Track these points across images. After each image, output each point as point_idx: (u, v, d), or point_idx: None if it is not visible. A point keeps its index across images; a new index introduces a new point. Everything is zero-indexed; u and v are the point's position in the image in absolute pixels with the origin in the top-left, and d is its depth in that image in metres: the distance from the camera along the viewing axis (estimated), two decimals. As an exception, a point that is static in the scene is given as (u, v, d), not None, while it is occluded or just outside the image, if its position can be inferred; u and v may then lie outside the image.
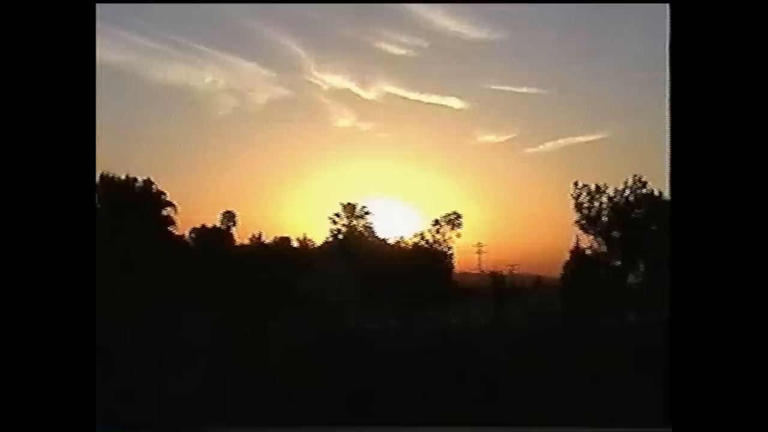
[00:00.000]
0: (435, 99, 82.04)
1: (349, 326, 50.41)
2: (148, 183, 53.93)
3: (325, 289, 52.16)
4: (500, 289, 65.12)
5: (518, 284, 70.10)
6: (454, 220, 63.62)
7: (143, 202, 52.61)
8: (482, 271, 70.87)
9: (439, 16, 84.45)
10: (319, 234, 65.51)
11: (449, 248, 63.79)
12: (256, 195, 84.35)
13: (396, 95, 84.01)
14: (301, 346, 42.68)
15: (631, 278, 58.17)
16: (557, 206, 77.08)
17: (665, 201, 54.58)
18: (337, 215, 64.36)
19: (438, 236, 63.40)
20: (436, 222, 63.63)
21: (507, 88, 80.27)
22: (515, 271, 71.86)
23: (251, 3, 65.47)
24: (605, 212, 57.36)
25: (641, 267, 57.36)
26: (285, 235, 63.39)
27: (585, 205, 57.58)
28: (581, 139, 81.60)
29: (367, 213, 64.96)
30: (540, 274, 72.10)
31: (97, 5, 5.20)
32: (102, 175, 51.17)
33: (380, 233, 65.28)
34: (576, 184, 57.89)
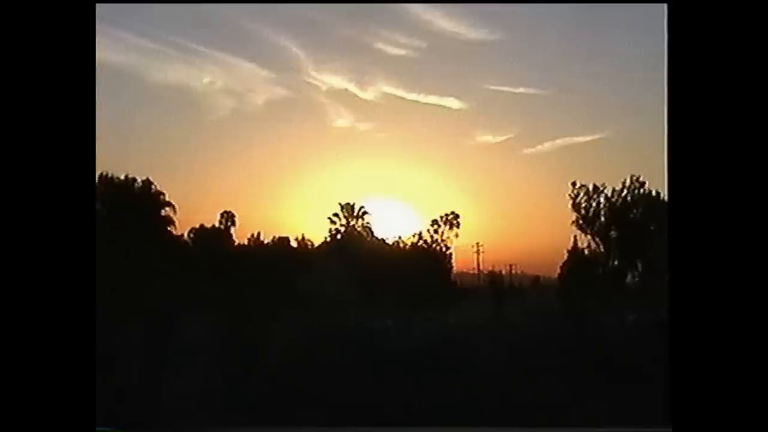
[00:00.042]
0: (433, 99, 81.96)
1: (349, 326, 50.43)
2: (147, 183, 53.96)
3: (324, 288, 52.16)
4: (499, 289, 65.18)
5: (516, 284, 70.14)
6: (452, 220, 63.63)
7: (142, 202, 52.62)
8: (480, 270, 70.93)
9: (437, 17, 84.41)
10: (318, 234, 65.51)
11: (448, 248, 63.80)
12: (255, 195, 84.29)
13: (394, 95, 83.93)
14: (300, 346, 42.69)
15: (629, 278, 58.25)
16: (555, 206, 77.01)
17: (663, 201, 54.61)
18: (336, 215, 64.38)
19: (436, 236, 63.41)
20: (435, 222, 63.64)
21: (505, 88, 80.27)
22: (513, 271, 71.95)
23: (251, 3, 65.44)
24: (603, 212, 57.44)
25: (639, 267, 57.43)
26: (284, 235, 63.35)
27: (583, 205, 57.67)
28: (579, 139, 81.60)
29: (365, 213, 64.97)
30: (538, 273, 72.19)
31: (97, 5, 5.20)
32: (101, 175, 51.17)
33: (379, 233, 65.30)
34: (574, 184, 57.98)
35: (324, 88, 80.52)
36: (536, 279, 71.30)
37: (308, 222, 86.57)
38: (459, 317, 58.16)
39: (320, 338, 44.71)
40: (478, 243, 71.36)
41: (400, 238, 64.73)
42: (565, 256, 58.00)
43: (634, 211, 57.65)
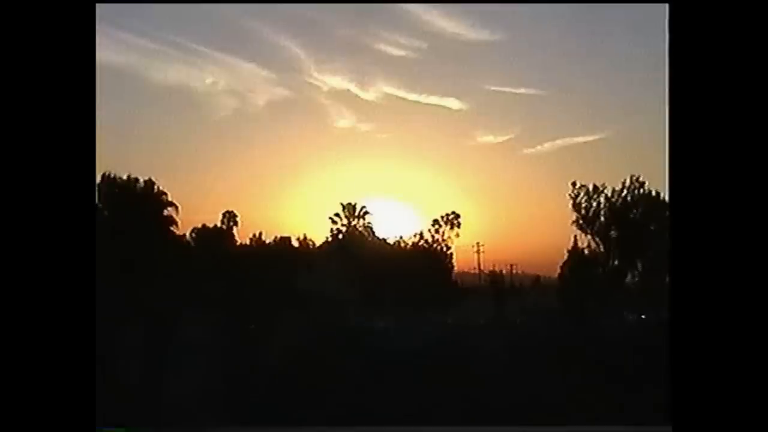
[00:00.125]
0: (434, 100, 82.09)
1: (349, 325, 50.45)
2: (149, 183, 54.01)
3: (325, 288, 52.18)
4: (499, 289, 65.25)
5: (517, 284, 70.21)
6: (453, 220, 63.66)
7: (145, 202, 52.68)
8: (481, 270, 70.97)
9: (437, 18, 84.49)
10: (319, 234, 65.55)
11: (448, 248, 63.83)
12: (257, 195, 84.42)
13: (395, 96, 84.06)
14: (301, 346, 42.69)
15: (629, 278, 58.32)
16: (555, 206, 77.15)
17: (663, 201, 54.72)
18: (337, 215, 64.41)
19: (437, 236, 63.44)
20: (436, 222, 63.67)
21: (505, 89, 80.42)
22: (514, 271, 72.01)
23: (251, 3, 65.50)
24: (603, 212, 57.52)
25: (639, 267, 57.50)
26: (285, 234, 63.40)
27: (583, 205, 57.74)
28: (579, 139, 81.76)
29: (366, 213, 65.00)
30: (538, 273, 72.27)
31: (97, 5, 5.20)
32: (104, 175, 51.29)
33: (380, 233, 65.35)
34: (574, 184, 58.06)
35: (325, 88, 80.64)
36: (536, 279, 71.37)
37: (309, 222, 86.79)
38: (460, 317, 58.21)
39: (321, 338, 44.71)
40: (478, 243, 71.42)
41: (401, 238, 64.78)
42: (566, 256, 58.04)
43: (634, 211, 57.71)
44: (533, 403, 32.47)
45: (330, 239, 64.05)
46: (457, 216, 63.68)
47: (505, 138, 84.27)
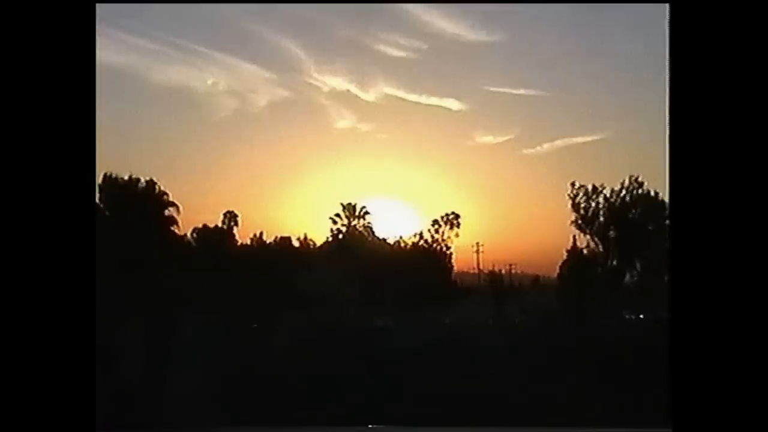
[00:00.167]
0: (434, 100, 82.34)
1: (349, 325, 50.49)
2: (150, 183, 54.19)
3: (326, 288, 52.27)
4: (499, 289, 65.40)
5: (516, 283, 70.41)
6: (452, 220, 63.86)
7: (146, 202, 52.86)
8: (481, 270, 71.17)
9: (437, 18, 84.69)
10: (320, 234, 65.78)
11: (448, 248, 64.05)
12: (258, 195, 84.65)
13: (395, 96, 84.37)
14: (301, 346, 42.73)
15: (627, 278, 58.47)
16: (555, 206, 77.43)
17: (661, 201, 54.88)
18: (338, 215, 64.61)
19: (437, 236, 63.64)
20: (435, 222, 63.89)
21: (505, 89, 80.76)
22: (513, 271, 72.15)
23: (251, 3, 65.59)
24: (602, 212, 57.72)
25: (638, 266, 57.65)
26: (286, 234, 63.65)
27: (582, 205, 57.97)
28: (578, 139, 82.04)
29: (366, 213, 65.20)
30: (538, 273, 72.50)
31: (98, 6, 5.20)
32: (105, 176, 51.48)
33: (380, 233, 65.56)
34: (573, 184, 58.32)
35: (325, 89, 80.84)
36: (536, 278, 71.64)
37: (310, 222, 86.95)
38: (459, 316, 58.27)
39: (321, 337, 44.75)
40: (478, 243, 71.63)
41: (401, 237, 65.02)
42: (565, 256, 58.26)
43: (633, 211, 57.91)
44: (533, 402, 32.48)
45: (330, 239, 64.19)
46: (457, 216, 63.90)
47: (505, 138, 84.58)
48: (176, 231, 55.43)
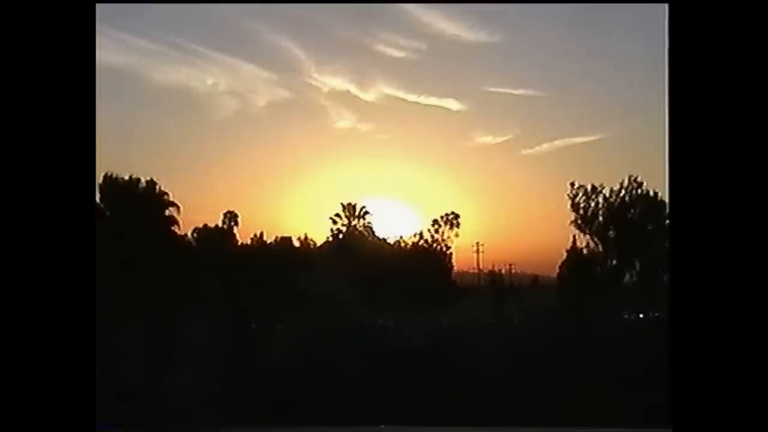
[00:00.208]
0: (433, 101, 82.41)
1: (349, 324, 50.50)
2: (151, 183, 54.15)
3: (326, 288, 52.26)
4: (498, 288, 65.39)
5: (516, 283, 70.37)
6: (452, 219, 63.78)
7: (147, 203, 52.85)
8: (480, 270, 71.10)
9: (437, 19, 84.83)
10: (320, 233, 65.70)
11: (448, 248, 63.96)
12: (258, 195, 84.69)
13: (395, 97, 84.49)
14: (301, 345, 42.73)
15: (626, 277, 58.50)
16: (554, 206, 77.34)
17: (660, 201, 54.92)
18: (338, 215, 64.53)
19: (437, 236, 63.56)
20: (435, 222, 63.81)
21: (504, 90, 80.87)
22: (513, 270, 72.12)
23: (251, 3, 65.65)
24: (601, 212, 57.69)
25: (637, 266, 57.69)
26: (286, 234, 63.56)
27: (581, 205, 57.94)
28: (578, 140, 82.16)
29: (366, 213, 65.12)
30: (537, 272, 72.49)
31: (97, 6, 5.20)
32: (106, 176, 51.47)
33: (380, 233, 65.49)
34: (572, 184, 58.27)
35: (325, 89, 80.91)
36: (535, 278, 71.63)
37: (310, 222, 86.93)
38: (459, 316, 58.28)
39: (321, 337, 44.75)
40: (478, 243, 71.56)
41: (401, 237, 64.93)
42: (564, 256, 58.19)
43: (632, 211, 57.91)
44: (533, 402, 32.48)
45: (330, 239, 64.14)
46: (457, 216, 63.82)
47: (504, 138, 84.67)
48: (177, 231, 55.51)
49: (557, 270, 58.61)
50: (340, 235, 64.19)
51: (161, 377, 37.37)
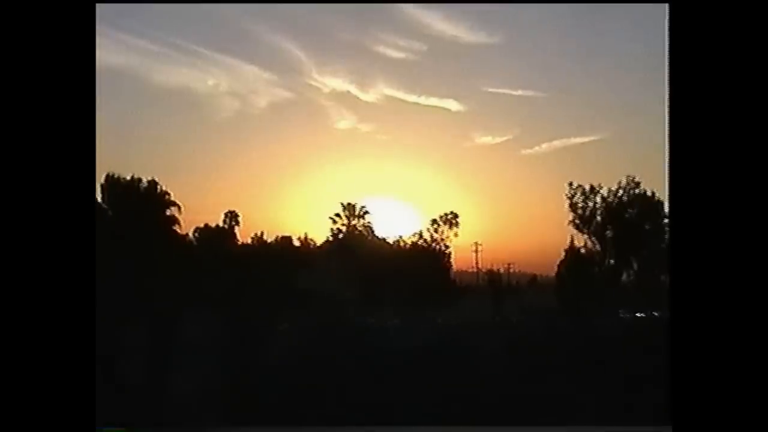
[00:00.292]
0: (433, 101, 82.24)
1: (350, 324, 50.45)
2: (152, 183, 54.04)
3: (326, 287, 52.26)
4: (497, 288, 65.40)
5: (514, 282, 70.31)
6: (451, 219, 63.64)
7: (148, 202, 52.76)
8: (479, 269, 71.02)
9: (437, 20, 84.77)
10: (320, 233, 65.52)
11: (447, 247, 63.78)
12: (258, 195, 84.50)
13: (395, 97, 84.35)
14: (301, 345, 42.69)
15: (624, 277, 58.55)
16: (553, 206, 77.10)
17: (658, 201, 55.02)
18: (338, 215, 64.39)
19: (436, 235, 63.41)
20: (435, 221, 63.63)
21: (503, 90, 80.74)
22: (512, 270, 72.11)
23: (251, 3, 65.57)
24: (599, 212, 57.70)
25: (634, 266, 57.76)
26: (286, 234, 63.39)
27: (579, 205, 57.89)
28: (576, 140, 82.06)
29: (366, 213, 64.99)
30: (536, 272, 72.46)
31: (97, 6, 5.21)
32: (107, 176, 51.40)
33: (380, 233, 65.38)
34: (571, 184, 58.18)
35: (326, 90, 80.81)
36: (534, 278, 71.66)
37: (310, 221, 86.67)
38: (458, 315, 58.27)
39: (321, 337, 44.72)
40: (476, 242, 71.41)
41: (400, 237, 64.80)
42: (562, 255, 58.17)
43: (630, 210, 57.96)
44: (532, 402, 32.46)
45: (330, 239, 64.06)
46: (456, 216, 63.64)
47: (504, 139, 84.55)
48: (178, 231, 55.41)
49: (555, 269, 58.61)
50: (340, 235, 64.10)
51: (162, 376, 37.33)
